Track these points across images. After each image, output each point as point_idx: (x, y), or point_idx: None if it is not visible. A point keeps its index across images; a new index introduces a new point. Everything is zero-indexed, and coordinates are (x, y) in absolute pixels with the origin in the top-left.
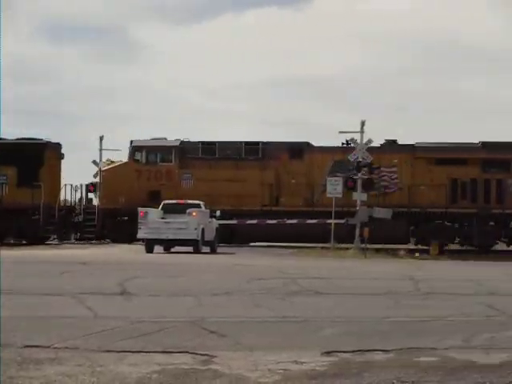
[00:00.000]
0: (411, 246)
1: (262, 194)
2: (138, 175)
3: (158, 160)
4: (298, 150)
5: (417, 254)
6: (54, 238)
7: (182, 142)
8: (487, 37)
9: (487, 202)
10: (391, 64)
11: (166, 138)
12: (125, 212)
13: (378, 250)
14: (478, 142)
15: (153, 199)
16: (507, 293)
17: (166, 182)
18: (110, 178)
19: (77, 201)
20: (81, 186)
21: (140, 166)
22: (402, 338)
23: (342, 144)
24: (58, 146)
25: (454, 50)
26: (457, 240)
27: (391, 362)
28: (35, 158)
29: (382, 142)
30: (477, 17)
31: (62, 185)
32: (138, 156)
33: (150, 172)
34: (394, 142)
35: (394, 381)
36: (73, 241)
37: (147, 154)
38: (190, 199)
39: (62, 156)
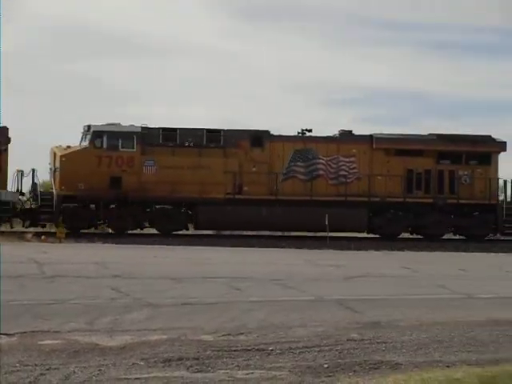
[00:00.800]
0: (40, 230)
1: (225, 182)
2: (99, 161)
3: (120, 146)
4: (259, 138)
5: (43, 237)
6: None
7: (143, 128)
8: None
9: (440, 193)
10: None
11: (120, 124)
12: (84, 198)
13: (3, 233)
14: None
15: (114, 186)
16: (133, 276)
17: (128, 168)
18: (68, 164)
19: (28, 187)
20: (32, 170)
21: (101, 152)
22: (26, 322)
23: (298, 133)
24: (5, 129)
25: None
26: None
27: (15, 345)
28: None
29: (336, 132)
30: None
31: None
32: (98, 142)
33: (111, 158)
34: (350, 132)
35: (17, 364)
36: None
37: (108, 140)
38: (152, 186)
39: (9, 140)
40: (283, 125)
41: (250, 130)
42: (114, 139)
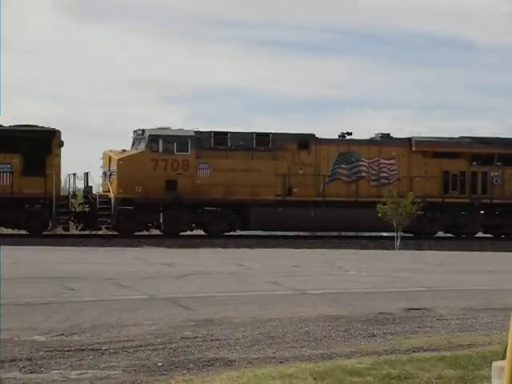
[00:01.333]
0: None
1: (275, 184)
2: (155, 165)
3: (175, 150)
4: (306, 141)
5: None
6: (53, 228)
7: (197, 132)
8: None
9: (474, 193)
10: None
11: (170, 128)
12: (141, 201)
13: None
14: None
15: (170, 188)
16: None
17: (183, 171)
18: (125, 167)
19: (80, 190)
20: (86, 174)
21: (157, 156)
22: None
23: (339, 136)
24: (58, 132)
25: None
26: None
27: None
28: (42, 146)
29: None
30: None
31: (62, 173)
32: (154, 146)
33: (166, 161)
34: (389, 135)
35: None
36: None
37: (164, 144)
38: (207, 189)
39: (61, 143)
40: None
41: (297, 134)
42: (169, 143)
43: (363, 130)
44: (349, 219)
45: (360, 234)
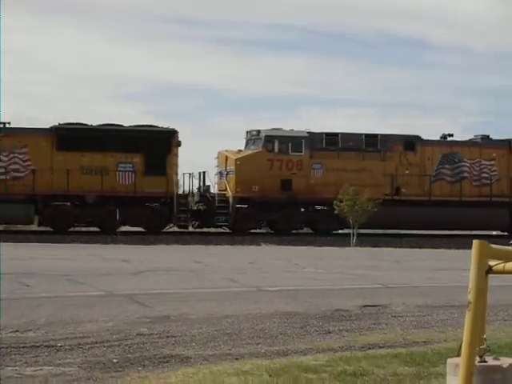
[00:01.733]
0: None
1: (384, 184)
2: (271, 164)
3: (290, 150)
4: (412, 142)
5: None
6: (171, 227)
7: (309, 133)
8: None
9: None
10: None
11: (282, 129)
12: (257, 200)
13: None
14: None
15: (285, 188)
16: None
17: (297, 171)
18: (243, 167)
19: (195, 189)
20: (203, 173)
21: (272, 156)
22: None
23: (441, 137)
24: (175, 132)
25: None
26: None
27: None
28: (163, 146)
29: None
30: None
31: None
32: (269, 146)
33: (281, 161)
34: (488, 137)
35: None
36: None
37: (279, 144)
38: (320, 188)
39: (179, 143)
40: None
41: (404, 135)
42: (284, 144)
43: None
44: (454, 218)
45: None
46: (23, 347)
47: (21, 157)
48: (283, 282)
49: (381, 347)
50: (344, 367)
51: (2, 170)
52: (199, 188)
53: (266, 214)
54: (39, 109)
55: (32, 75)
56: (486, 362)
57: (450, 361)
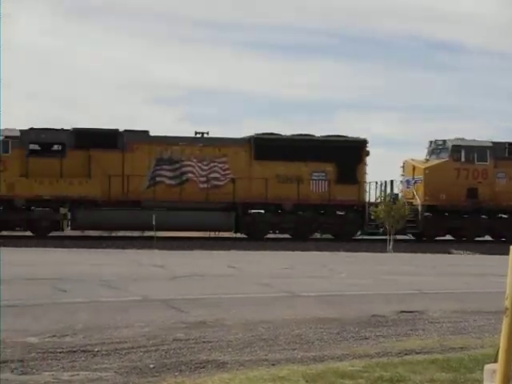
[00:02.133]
0: None
1: None
2: (457, 173)
3: (475, 159)
4: None
5: None
6: (360, 234)
7: (494, 143)
8: None
9: None
10: None
11: (464, 138)
12: (444, 208)
13: None
14: None
15: (470, 196)
16: None
17: (483, 180)
18: (431, 176)
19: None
20: (390, 182)
21: (459, 165)
22: None
23: None
24: (365, 142)
25: None
26: None
27: None
28: (354, 155)
29: None
30: None
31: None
32: (456, 155)
33: (467, 170)
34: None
35: None
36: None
37: (465, 154)
38: (505, 196)
39: (368, 152)
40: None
41: None
42: (470, 153)
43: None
44: None
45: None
46: (60, 352)
47: (220, 166)
48: (318, 288)
49: (417, 353)
50: (381, 373)
51: (204, 179)
52: (386, 196)
53: (449, 222)
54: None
55: (62, 77)
56: None
57: (487, 367)
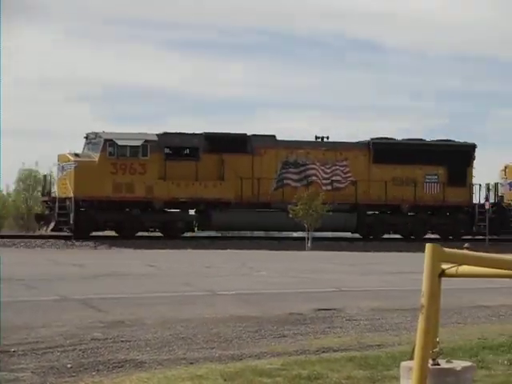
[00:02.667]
0: None
1: None
2: None
3: None
4: None
5: None
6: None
7: None
8: None
9: None
10: None
11: None
12: None
13: None
14: None
15: None
16: None
17: None
18: None
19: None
20: (495, 184)
21: None
22: None
23: None
24: (473, 146)
25: None
26: None
27: None
28: (464, 159)
29: None
30: None
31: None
32: None
33: None
34: None
35: None
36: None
37: None
38: None
39: (474, 156)
40: None
41: None
42: None
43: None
44: None
45: (271, 234)
46: None
47: (342, 169)
48: (238, 286)
49: (335, 351)
50: (298, 371)
51: (327, 182)
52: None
53: None
54: None
55: None
56: (439, 365)
57: (403, 364)
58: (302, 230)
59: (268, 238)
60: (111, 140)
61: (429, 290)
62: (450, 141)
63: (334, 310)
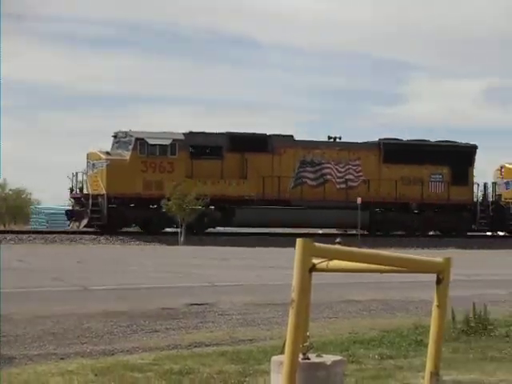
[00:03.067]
0: None
1: None
2: None
3: None
4: None
5: None
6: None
7: None
8: None
9: None
10: None
11: None
12: None
13: None
14: None
15: None
16: None
17: None
18: None
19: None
20: (493, 184)
21: None
22: None
23: None
24: (474, 148)
25: None
26: None
27: None
28: (466, 159)
29: None
30: None
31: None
32: None
33: None
34: None
35: None
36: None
37: None
38: None
39: (475, 157)
40: None
41: None
42: None
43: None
44: None
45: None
46: None
47: (354, 168)
48: (110, 281)
49: (207, 345)
50: (170, 366)
51: (340, 180)
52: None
53: None
54: None
55: None
56: (309, 359)
57: (274, 358)
58: (321, 226)
59: (140, 233)
60: (142, 139)
61: (299, 285)
62: (453, 142)
63: (207, 304)
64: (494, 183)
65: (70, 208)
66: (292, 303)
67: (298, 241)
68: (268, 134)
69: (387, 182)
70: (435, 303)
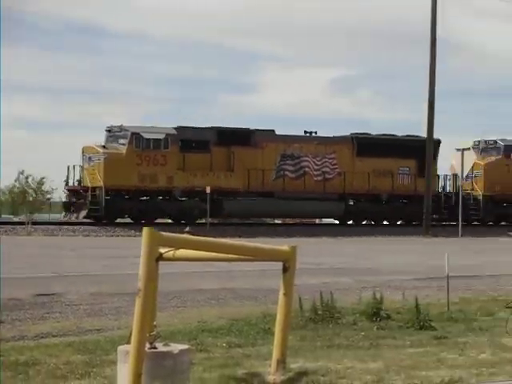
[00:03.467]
0: None
1: None
2: (508, 169)
3: None
4: None
5: None
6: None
7: None
8: None
9: None
10: None
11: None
12: (499, 198)
13: None
14: None
15: None
16: None
17: None
18: (489, 171)
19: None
20: (455, 176)
21: (509, 162)
22: None
23: None
24: (437, 142)
25: None
26: None
27: None
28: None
29: None
30: None
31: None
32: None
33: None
34: None
35: None
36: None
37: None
38: None
39: (438, 151)
40: None
41: None
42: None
43: None
44: None
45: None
46: None
47: (330, 161)
48: None
49: (54, 336)
50: (16, 357)
51: (317, 173)
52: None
53: (496, 208)
54: None
55: None
56: (156, 348)
57: (120, 348)
58: (302, 216)
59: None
60: (138, 133)
61: (146, 274)
62: (418, 136)
63: (54, 295)
64: (455, 175)
65: (65, 200)
66: (139, 292)
67: (145, 230)
68: (251, 128)
69: (360, 175)
70: (282, 291)
